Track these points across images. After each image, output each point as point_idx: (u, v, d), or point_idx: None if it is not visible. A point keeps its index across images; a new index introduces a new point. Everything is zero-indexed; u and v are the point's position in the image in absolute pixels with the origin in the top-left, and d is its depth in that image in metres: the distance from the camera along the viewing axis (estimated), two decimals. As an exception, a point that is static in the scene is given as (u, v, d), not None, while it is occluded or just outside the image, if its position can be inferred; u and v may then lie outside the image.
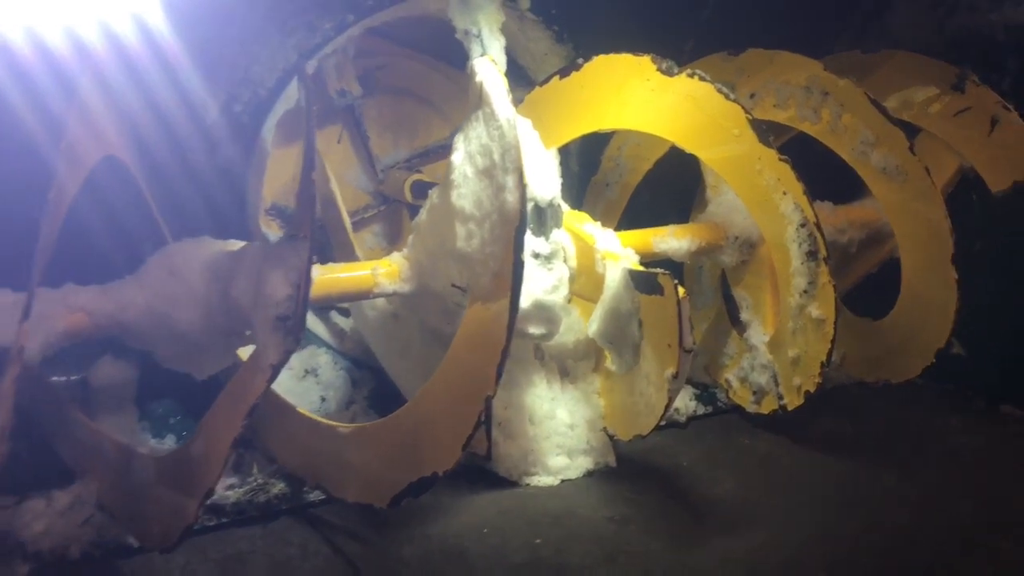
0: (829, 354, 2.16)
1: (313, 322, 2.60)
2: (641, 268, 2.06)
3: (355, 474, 2.02)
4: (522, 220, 1.80)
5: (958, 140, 2.46)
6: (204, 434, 1.74)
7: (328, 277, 2.06)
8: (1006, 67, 2.50)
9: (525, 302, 2.01)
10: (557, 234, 2.11)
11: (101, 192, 1.85)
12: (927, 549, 1.88)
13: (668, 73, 2.16)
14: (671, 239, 2.39)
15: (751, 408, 2.45)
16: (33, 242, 1.58)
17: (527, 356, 2.36)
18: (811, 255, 2.13)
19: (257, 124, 2.29)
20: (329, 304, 2.56)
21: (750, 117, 2.09)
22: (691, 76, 2.14)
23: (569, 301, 2.25)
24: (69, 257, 1.77)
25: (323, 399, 2.48)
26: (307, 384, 2.49)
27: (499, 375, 1.80)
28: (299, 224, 1.66)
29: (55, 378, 2.12)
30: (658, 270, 1.97)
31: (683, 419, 2.53)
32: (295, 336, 1.61)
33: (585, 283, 2.21)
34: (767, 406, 2.40)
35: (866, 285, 2.81)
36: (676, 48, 2.64)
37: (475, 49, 2.24)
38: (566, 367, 2.43)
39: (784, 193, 2.12)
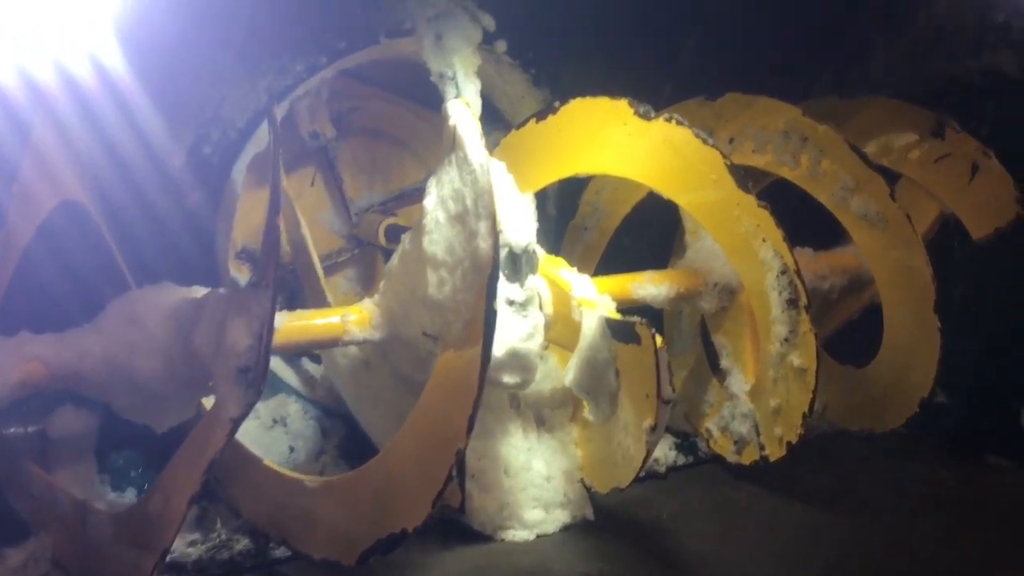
0: (811, 405, 2.11)
1: (283, 368, 2.54)
2: (618, 316, 2.01)
3: (322, 530, 1.95)
4: (494, 268, 1.75)
5: (939, 186, 2.45)
6: (162, 490, 1.67)
7: (296, 324, 2.00)
8: (986, 113, 2.50)
9: (499, 350, 1.96)
10: (532, 280, 2.06)
11: (59, 237, 1.79)
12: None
13: (646, 117, 2.13)
14: (649, 285, 2.35)
15: (732, 458, 2.39)
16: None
17: (502, 405, 2.30)
18: (792, 303, 2.09)
19: (227, 166, 2.24)
20: (297, 352, 2.50)
21: (728, 163, 2.06)
22: (669, 121, 2.11)
23: (545, 348, 2.21)
24: (25, 304, 1.71)
25: (292, 449, 2.41)
26: (275, 434, 2.42)
27: (471, 427, 1.74)
28: (263, 272, 1.61)
29: (11, 429, 2.04)
30: (635, 319, 1.93)
31: (663, 469, 2.47)
32: (257, 388, 1.55)
33: (561, 330, 2.15)
34: (748, 456, 2.34)
35: (848, 331, 2.78)
36: (655, 92, 2.62)
37: (450, 92, 2.21)
38: (543, 416, 2.37)
39: (763, 240, 2.09)
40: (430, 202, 1.96)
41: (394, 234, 2.57)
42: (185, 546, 1.97)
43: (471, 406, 1.74)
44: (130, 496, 2.16)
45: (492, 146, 2.41)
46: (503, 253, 1.98)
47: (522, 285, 2.04)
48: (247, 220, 2.43)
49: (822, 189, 2.29)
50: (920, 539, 2.09)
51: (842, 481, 2.42)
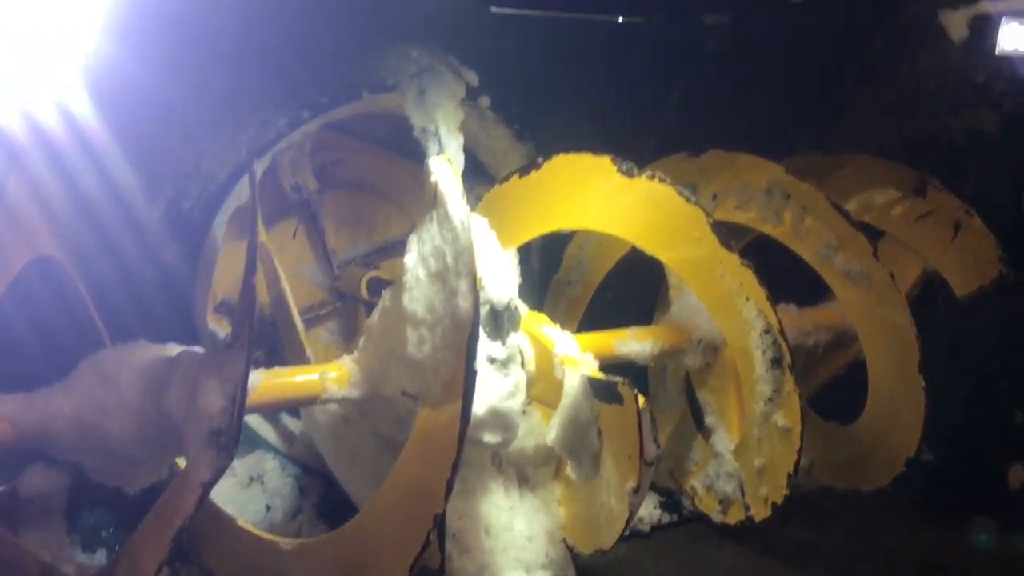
0: (796, 465, 2.08)
1: (261, 424, 2.50)
2: (601, 375, 1.99)
3: (297, 594, 1.90)
4: (474, 327, 1.73)
5: (922, 244, 2.45)
6: (129, 556, 1.63)
7: (274, 382, 1.96)
8: (967, 171, 2.51)
9: (480, 408, 1.93)
10: (514, 338, 2.04)
11: (31, 294, 1.76)
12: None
13: (628, 174, 2.12)
14: (633, 342, 2.32)
15: (717, 518, 2.35)
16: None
17: (483, 462, 2.26)
18: (775, 362, 2.07)
19: (207, 219, 2.21)
20: (275, 410, 2.46)
21: (711, 221, 2.05)
22: (652, 178, 2.10)
23: (529, 404, 2.18)
24: (-6, 362, 1.67)
25: (269, 508, 2.36)
26: (252, 492, 2.37)
27: (449, 490, 1.71)
28: (238, 332, 1.58)
29: (-22, 489, 1.98)
30: (617, 379, 1.90)
31: (647, 528, 2.43)
32: (229, 453, 1.52)
33: (544, 388, 2.13)
34: (733, 516, 2.30)
35: (834, 387, 2.75)
36: (639, 146, 2.63)
37: (432, 147, 2.21)
38: (525, 473, 2.33)
39: (747, 298, 2.07)
40: (411, 259, 1.94)
41: (376, 287, 2.56)
42: (155, 610, 1.91)
43: (450, 468, 1.70)
44: (100, 557, 2.11)
45: (475, 200, 2.41)
46: (484, 310, 1.97)
47: (503, 343, 2.01)
48: (227, 273, 2.41)
49: (805, 246, 2.29)
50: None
51: (828, 541, 2.39)
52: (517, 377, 2.02)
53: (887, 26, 2.54)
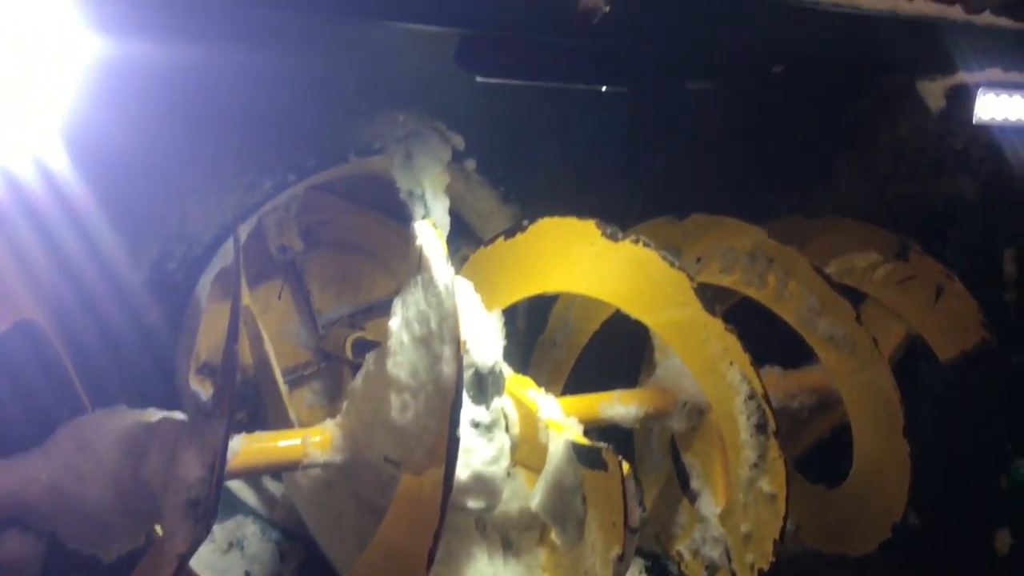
0: (782, 532, 2.06)
1: (241, 488, 2.46)
2: (585, 441, 1.98)
3: (274, 666, 1.86)
4: (458, 394, 1.72)
5: (904, 308, 2.46)
6: (103, 629, 1.59)
7: (255, 447, 1.94)
8: (947, 236, 2.53)
9: (463, 473, 1.91)
10: (499, 401, 2.03)
11: (11, 358, 1.74)
12: None
13: (613, 238, 2.13)
14: (618, 405, 2.31)
15: (704, 584, 2.32)
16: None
17: (467, 528, 2.24)
18: (760, 428, 2.06)
19: (191, 281, 2.21)
20: (256, 475, 2.43)
21: (695, 285, 2.05)
22: (636, 242, 2.11)
23: (514, 466, 2.16)
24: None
25: (248, 574, 2.31)
26: (231, 558, 2.33)
27: (431, 559, 1.69)
28: (219, 400, 1.56)
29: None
30: (601, 445, 1.89)
31: (633, 594, 2.40)
32: (206, 523, 1.49)
33: (528, 452, 2.11)
34: (720, 582, 2.28)
35: (821, 449, 2.74)
36: (624, 208, 2.65)
37: (418, 211, 2.22)
38: (510, 538, 2.30)
39: (731, 363, 2.07)
40: (395, 323, 1.94)
41: (361, 348, 2.54)
42: None
43: (432, 537, 1.68)
44: (74, 627, 2.05)
45: (461, 261, 2.42)
46: (468, 373, 1.96)
47: (487, 407, 2.00)
48: (211, 334, 2.40)
49: (789, 310, 2.29)
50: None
51: (816, 607, 2.36)
52: (501, 442, 2.01)
53: (867, 93, 2.58)
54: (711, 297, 2.04)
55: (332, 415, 2.13)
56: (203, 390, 2.42)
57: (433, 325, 1.83)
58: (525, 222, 2.24)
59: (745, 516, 2.16)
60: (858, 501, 2.37)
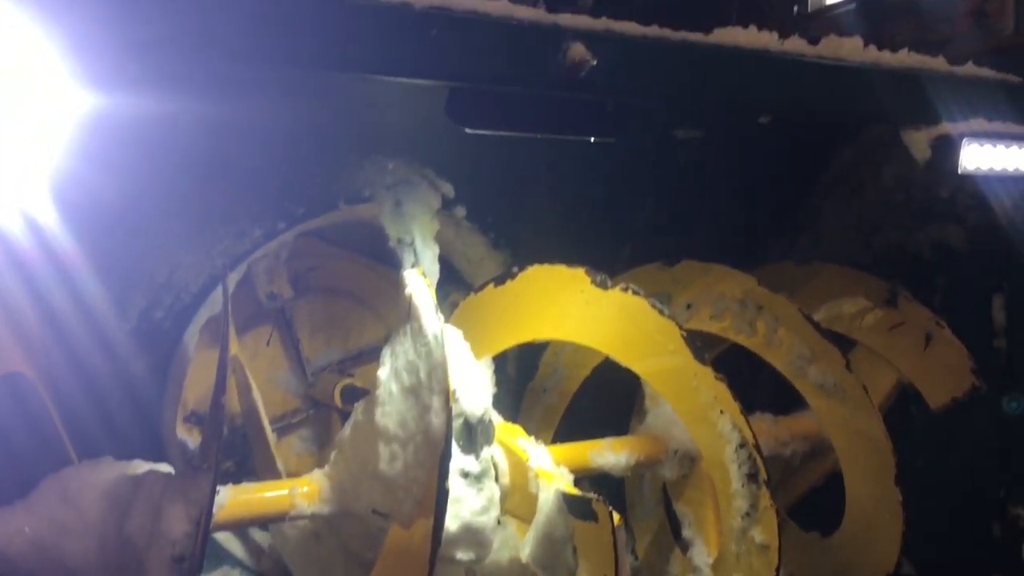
0: (775, 583, 2.05)
1: (227, 538, 2.43)
2: (575, 491, 1.96)
3: None
4: (447, 445, 1.71)
5: (894, 354, 2.46)
6: None
7: (241, 499, 1.93)
8: (935, 283, 2.54)
9: (452, 524, 1.90)
10: (488, 450, 2.01)
11: (-3, 411, 1.73)
12: None
13: (602, 286, 2.14)
14: (608, 453, 2.30)
15: (696, 635, 2.29)
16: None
17: (457, 578, 2.20)
18: (751, 477, 2.05)
19: (179, 330, 2.19)
20: (242, 527, 2.40)
21: (684, 333, 2.05)
22: (625, 290, 2.11)
23: (504, 516, 2.14)
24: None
25: (233, 627, 2.29)
26: (217, 610, 2.30)
27: (420, 615, 1.66)
28: (204, 454, 1.55)
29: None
30: (591, 495, 1.88)
31: (625, 646, 2.36)
32: (191, 580, 1.47)
33: (518, 502, 2.09)
34: (713, 633, 2.25)
35: (814, 496, 2.73)
36: (614, 253, 2.66)
37: (408, 258, 2.22)
38: (500, 589, 2.27)
39: (721, 412, 2.06)
40: (384, 373, 1.93)
41: (350, 395, 2.53)
42: None
43: (421, 590, 1.66)
44: None
45: (451, 307, 2.41)
46: (458, 423, 1.95)
47: (477, 456, 1.99)
48: (198, 382, 2.38)
49: (779, 357, 2.29)
50: None
51: (810, 659, 2.32)
52: (491, 492, 2.00)
53: (853, 142, 2.61)
54: (701, 345, 2.04)
55: (321, 463, 2.11)
56: (190, 439, 2.40)
57: (422, 375, 1.83)
58: (515, 269, 2.25)
59: (738, 566, 2.14)
60: (851, 549, 2.35)
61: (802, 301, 2.32)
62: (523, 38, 1.73)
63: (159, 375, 2.20)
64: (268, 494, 1.97)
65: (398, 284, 2.06)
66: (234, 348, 2.27)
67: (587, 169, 2.45)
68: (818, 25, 6.07)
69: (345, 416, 2.19)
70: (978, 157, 2.16)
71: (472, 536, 1.95)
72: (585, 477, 2.39)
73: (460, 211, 2.42)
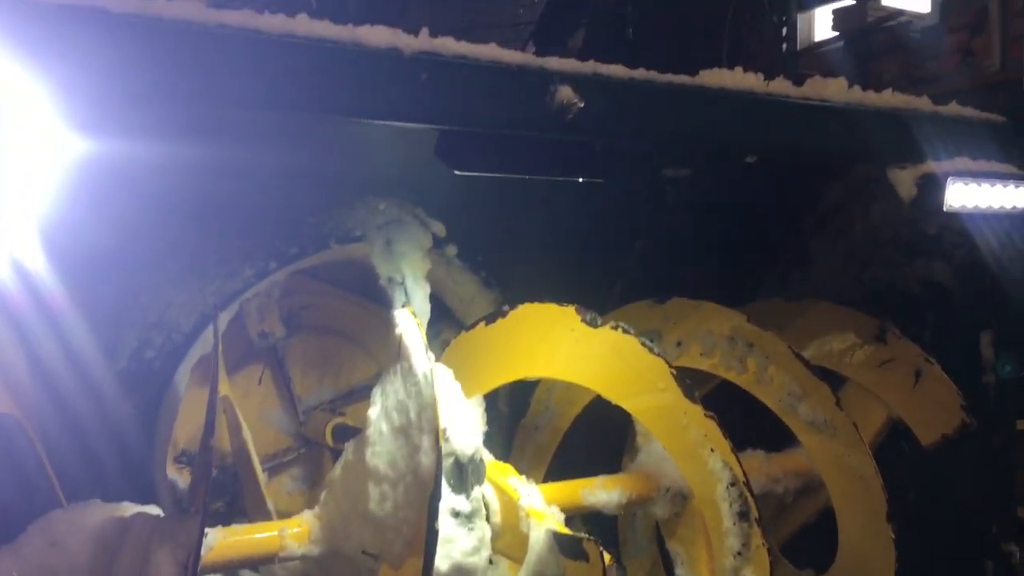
0: (768, 622, 2.03)
1: (217, 580, 2.41)
2: (566, 530, 1.95)
3: None
4: (437, 485, 1.71)
5: (884, 391, 2.46)
6: None
7: (230, 540, 1.91)
8: (924, 320, 2.55)
9: (443, 565, 1.88)
10: (479, 490, 2.01)
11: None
12: None
13: (592, 324, 2.14)
14: (600, 491, 2.29)
15: (690, 675, 2.27)
16: None
17: (448, 620, 2.18)
18: (742, 516, 2.04)
19: (170, 370, 2.19)
20: (232, 569, 2.38)
21: (674, 372, 2.06)
22: (615, 328, 2.12)
23: (495, 554, 2.13)
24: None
25: (222, 670, 2.25)
26: (206, 653, 2.27)
27: (409, 658, 1.65)
28: (193, 497, 1.55)
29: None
30: (583, 535, 1.87)
31: None
32: (178, 625, 1.46)
33: (510, 542, 2.08)
34: (707, 675, 2.23)
35: (808, 533, 2.71)
36: (605, 291, 2.67)
37: (398, 297, 2.22)
38: (491, 630, 2.25)
39: (712, 449, 2.06)
40: (374, 412, 1.93)
41: (342, 434, 2.52)
42: None
43: (410, 633, 1.65)
44: None
45: (442, 345, 2.42)
46: (448, 462, 1.94)
47: (468, 496, 1.98)
48: (189, 422, 2.37)
49: (769, 394, 2.30)
50: None
51: None
52: (482, 531, 1.99)
53: (841, 180, 2.63)
54: (690, 383, 2.05)
55: (312, 502, 2.10)
56: (180, 479, 2.39)
57: (412, 415, 1.83)
58: (506, 308, 2.26)
59: (731, 605, 2.13)
60: (845, 587, 2.34)
61: (792, 338, 2.32)
62: (511, 81, 1.75)
63: (149, 415, 2.20)
64: (257, 535, 1.96)
65: (389, 322, 2.07)
66: (225, 387, 2.27)
67: (577, 208, 2.47)
68: (807, 63, 6.17)
69: (337, 455, 2.18)
70: (963, 195, 2.19)
71: (463, 577, 1.94)
72: (577, 515, 2.39)
73: (451, 250, 2.44)
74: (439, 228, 2.34)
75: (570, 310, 2.17)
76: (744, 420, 2.48)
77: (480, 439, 2.05)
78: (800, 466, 2.51)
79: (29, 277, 1.67)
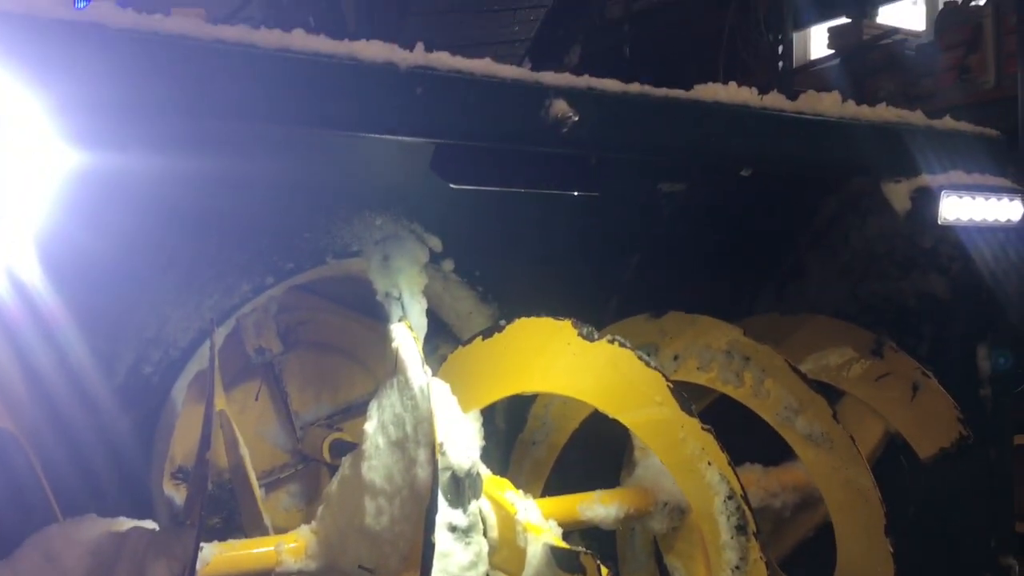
0: (766, 636, 2.02)
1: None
2: (563, 544, 1.95)
3: None
4: (433, 499, 1.70)
5: (882, 405, 2.46)
6: None
7: (227, 555, 1.91)
8: (921, 332, 2.55)
9: (441, 580, 1.88)
10: (476, 504, 2.00)
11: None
12: None
13: (589, 338, 2.14)
14: (598, 505, 2.29)
15: None
16: None
17: (445, 635, 2.17)
18: (740, 529, 2.04)
19: (167, 385, 2.19)
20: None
21: (671, 385, 2.06)
22: (611, 342, 2.12)
23: (492, 570, 2.12)
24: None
25: None
26: (201, 669, 2.25)
27: (406, 674, 1.64)
28: (189, 510, 1.54)
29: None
30: (579, 549, 1.87)
31: None
32: (173, 639, 1.45)
33: (507, 557, 2.08)
34: None
35: (808, 547, 2.70)
36: (602, 305, 2.67)
37: (395, 312, 2.23)
38: (489, 645, 2.24)
39: (709, 463, 2.06)
40: (371, 426, 1.93)
41: (339, 449, 2.52)
42: None
43: (406, 648, 1.64)
44: None
45: (440, 360, 2.42)
46: (445, 476, 1.94)
47: (464, 510, 1.98)
48: (186, 437, 2.37)
49: (766, 408, 2.30)
50: None
51: None
52: (479, 546, 1.98)
53: (836, 194, 2.64)
54: (687, 396, 2.05)
55: (309, 518, 2.10)
56: (177, 495, 2.38)
57: (409, 428, 1.83)
58: (503, 322, 2.26)
59: (729, 620, 2.12)
60: (844, 602, 2.33)
61: (789, 352, 2.32)
62: (506, 95, 1.77)
63: (146, 431, 2.19)
64: (254, 550, 1.96)
65: (386, 338, 2.08)
66: (222, 403, 2.27)
67: (573, 222, 2.48)
68: (802, 80, 6.20)
69: (334, 471, 2.18)
70: (957, 208, 2.20)
71: (460, 591, 1.93)
72: (576, 530, 2.38)
73: (448, 265, 2.44)
74: (436, 243, 2.34)
75: (567, 324, 2.17)
76: (742, 434, 2.48)
77: (477, 453, 2.05)
78: (798, 480, 2.51)
79: (26, 292, 1.67)
